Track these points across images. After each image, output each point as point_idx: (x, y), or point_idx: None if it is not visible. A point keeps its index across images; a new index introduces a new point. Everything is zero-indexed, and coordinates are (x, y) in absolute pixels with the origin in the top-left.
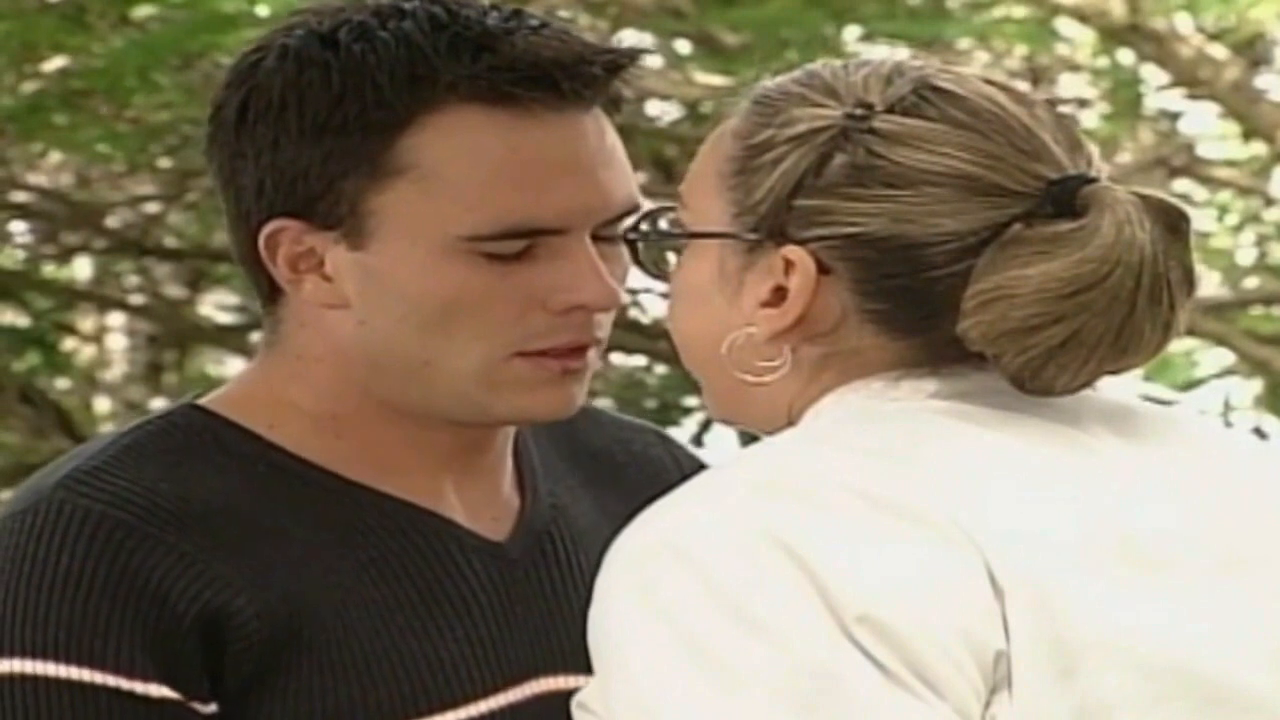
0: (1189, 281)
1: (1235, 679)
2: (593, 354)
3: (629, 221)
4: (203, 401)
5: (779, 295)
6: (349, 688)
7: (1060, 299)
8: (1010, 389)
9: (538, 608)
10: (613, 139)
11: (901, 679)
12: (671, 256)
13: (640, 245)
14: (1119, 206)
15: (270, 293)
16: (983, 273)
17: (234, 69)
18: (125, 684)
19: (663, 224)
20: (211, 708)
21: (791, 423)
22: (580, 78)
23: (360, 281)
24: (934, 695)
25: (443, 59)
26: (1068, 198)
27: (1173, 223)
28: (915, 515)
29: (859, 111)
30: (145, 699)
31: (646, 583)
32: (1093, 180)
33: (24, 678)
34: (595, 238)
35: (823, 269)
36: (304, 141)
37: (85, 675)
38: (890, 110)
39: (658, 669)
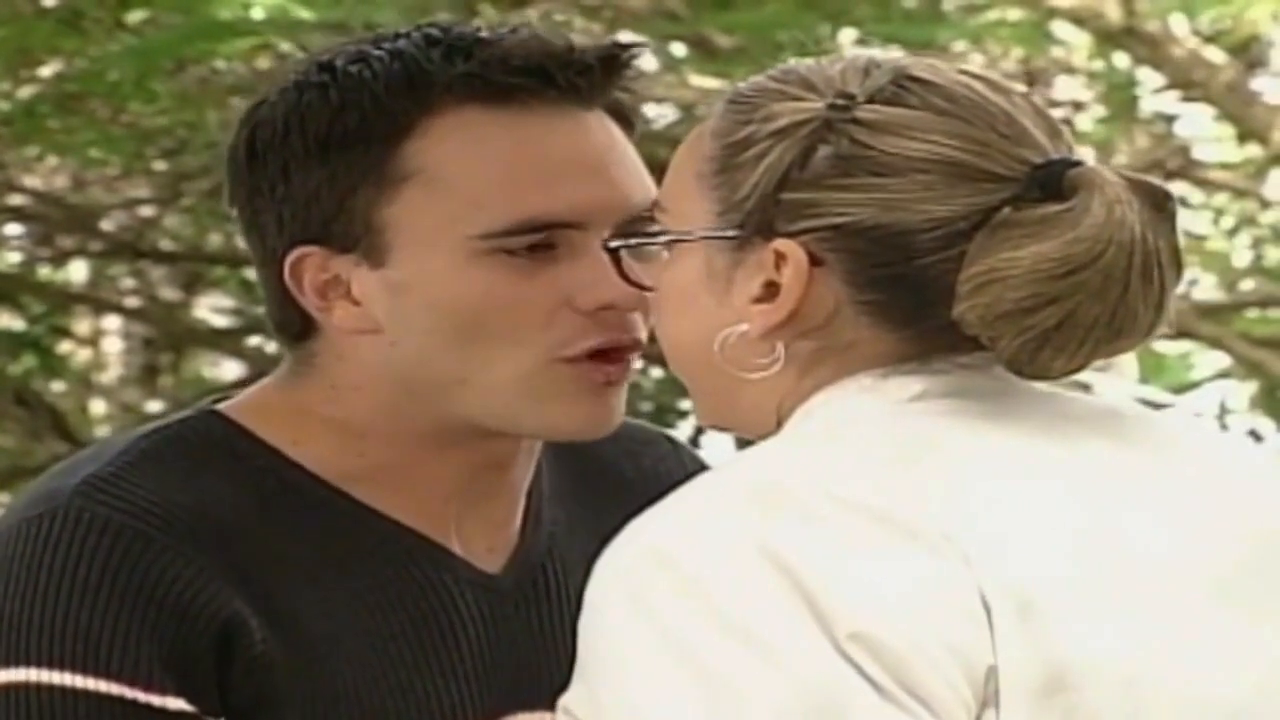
0: (1177, 261)
1: (1222, 698)
2: (631, 361)
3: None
4: (222, 408)
5: (771, 290)
6: (339, 718)
7: (1054, 279)
8: (998, 387)
9: (524, 643)
10: (624, 142)
11: (893, 695)
12: (651, 265)
13: (623, 255)
14: (1108, 187)
15: (302, 327)
16: (975, 256)
17: (243, 113)
18: (142, 696)
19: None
20: None
21: (780, 422)
22: (573, 67)
23: (387, 300)
24: (926, 711)
25: (436, 64)
26: (1055, 180)
27: (1159, 202)
28: (906, 528)
29: (840, 102)
30: (162, 711)
31: (637, 593)
32: (1077, 163)
33: (40, 687)
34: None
35: (814, 261)
36: (311, 162)
37: (102, 686)
38: (871, 100)
39: (649, 680)
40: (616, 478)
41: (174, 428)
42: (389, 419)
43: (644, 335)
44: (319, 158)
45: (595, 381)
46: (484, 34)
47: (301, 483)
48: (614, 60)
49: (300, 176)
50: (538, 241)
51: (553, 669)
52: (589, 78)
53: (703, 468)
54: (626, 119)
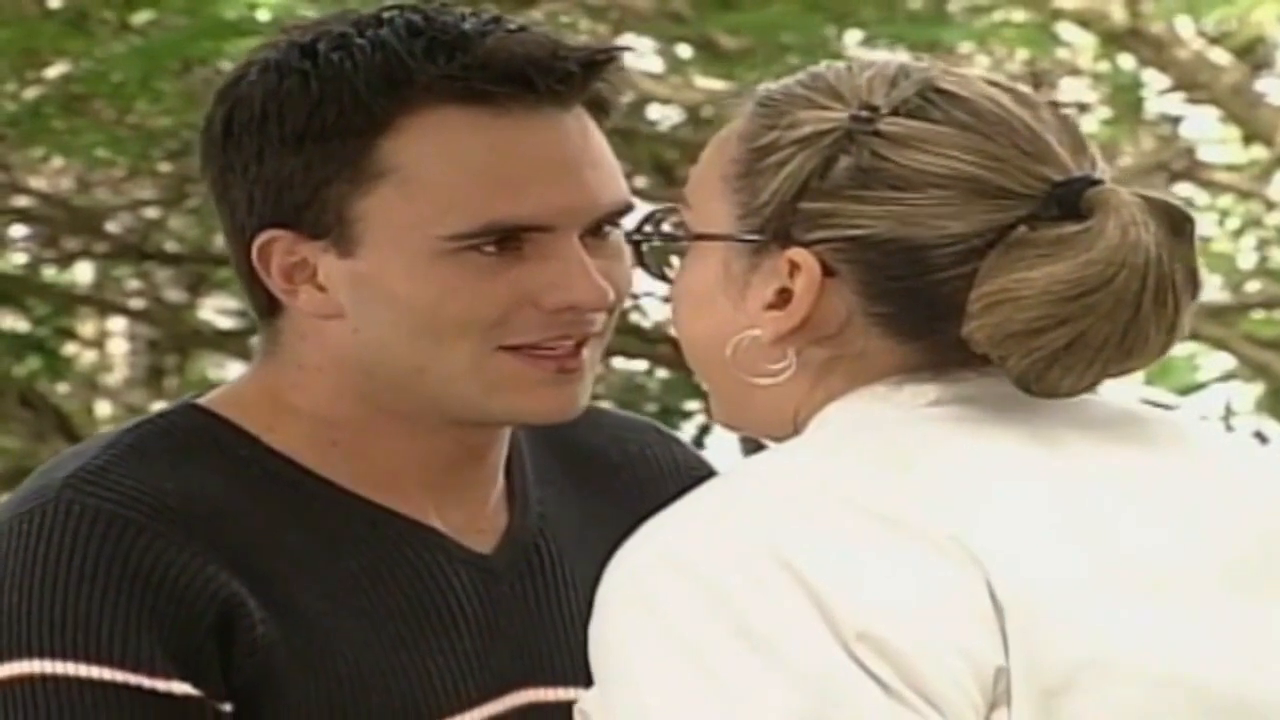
0: (1193, 283)
1: (1238, 690)
2: (588, 353)
3: (631, 223)
4: (202, 401)
5: (784, 298)
6: (342, 698)
7: (1065, 301)
8: (1013, 393)
9: (521, 620)
10: (599, 140)
11: (902, 696)
12: (675, 259)
13: (644, 247)
14: (1124, 208)
15: (268, 305)
16: (987, 275)
17: (221, 85)
18: (147, 682)
19: (666, 226)
20: (228, 706)
21: (797, 430)
22: (554, 74)
23: (352, 289)
24: (934, 711)
25: (418, 61)
26: (1073, 199)
27: (1177, 224)
28: (916, 531)
29: (864, 114)
30: (168, 696)
31: (648, 597)
32: (1097, 182)
33: (45, 678)
34: (589, 236)
35: (828, 271)
36: (286, 150)
37: (106, 674)
38: (895, 112)
39: (660, 683)
40: (603, 462)
41: (156, 422)
42: (355, 404)
43: (602, 330)
44: (294, 147)
45: (548, 371)
46: (467, 27)
47: (284, 471)
48: (596, 65)
49: (274, 163)
50: (505, 241)
51: (551, 646)
52: (569, 83)
53: (694, 458)
54: (604, 108)
